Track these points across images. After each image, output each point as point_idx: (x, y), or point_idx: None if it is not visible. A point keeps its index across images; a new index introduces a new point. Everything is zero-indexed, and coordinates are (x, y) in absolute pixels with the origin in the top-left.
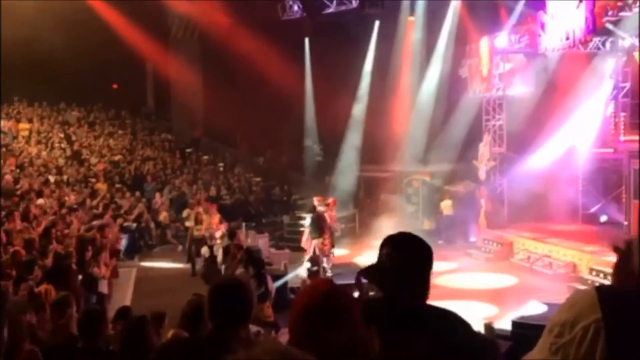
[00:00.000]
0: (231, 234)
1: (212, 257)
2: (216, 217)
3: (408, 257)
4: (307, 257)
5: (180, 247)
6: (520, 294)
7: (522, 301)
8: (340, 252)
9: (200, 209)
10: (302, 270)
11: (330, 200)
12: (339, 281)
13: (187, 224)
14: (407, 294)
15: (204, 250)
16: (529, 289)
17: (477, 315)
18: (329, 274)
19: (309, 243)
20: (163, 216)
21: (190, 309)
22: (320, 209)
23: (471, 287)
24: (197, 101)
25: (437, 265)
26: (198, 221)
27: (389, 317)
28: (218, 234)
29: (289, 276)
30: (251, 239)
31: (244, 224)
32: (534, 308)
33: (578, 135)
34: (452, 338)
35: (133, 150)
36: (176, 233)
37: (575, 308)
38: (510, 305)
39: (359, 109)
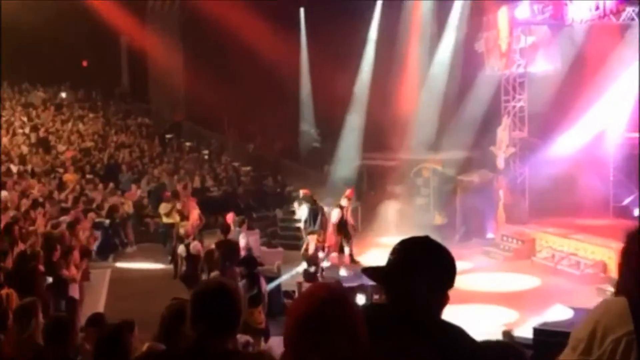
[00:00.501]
0: (224, 228)
1: (190, 256)
2: (195, 212)
3: (418, 264)
4: (321, 254)
5: (133, 248)
6: (543, 297)
7: (545, 305)
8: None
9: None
10: (297, 272)
11: (348, 191)
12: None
13: (167, 220)
14: (412, 302)
15: (181, 249)
16: (553, 292)
17: (495, 321)
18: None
19: (332, 238)
20: (128, 205)
21: (169, 314)
22: (343, 203)
23: (488, 290)
24: (178, 80)
25: None
26: (184, 217)
27: (392, 325)
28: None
29: (283, 278)
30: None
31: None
32: (558, 313)
33: (609, 118)
34: (460, 353)
35: (106, 136)
36: (155, 229)
37: (603, 320)
38: (531, 309)
39: (361, 88)
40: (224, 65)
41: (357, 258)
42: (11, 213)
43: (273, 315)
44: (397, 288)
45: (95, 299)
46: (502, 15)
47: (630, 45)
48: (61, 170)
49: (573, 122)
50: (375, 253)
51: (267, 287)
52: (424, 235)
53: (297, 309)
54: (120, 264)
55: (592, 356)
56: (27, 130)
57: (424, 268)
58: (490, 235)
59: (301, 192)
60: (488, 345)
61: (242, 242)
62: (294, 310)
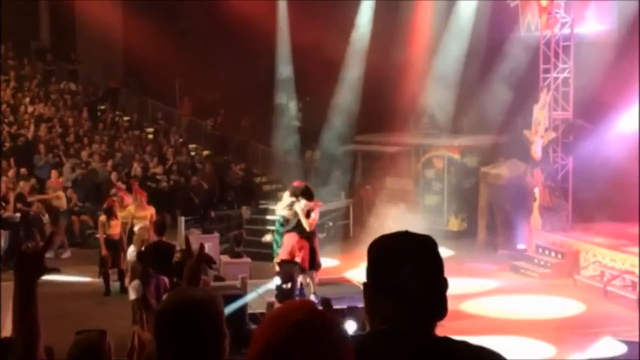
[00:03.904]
0: (160, 227)
1: None
2: (149, 211)
3: (437, 271)
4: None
5: (67, 253)
6: (588, 326)
7: (591, 337)
8: (326, 263)
9: (119, 195)
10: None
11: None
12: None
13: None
14: (433, 322)
15: (131, 254)
16: (602, 320)
17: (526, 357)
18: (312, 297)
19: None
20: (62, 200)
21: (79, 353)
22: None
23: (517, 317)
24: (115, 34)
25: (468, 284)
26: (111, 214)
27: (411, 356)
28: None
29: (249, 297)
30: (193, 241)
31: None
32: (607, 348)
33: None
34: None
35: (17, 106)
36: (82, 230)
37: None
38: (573, 343)
39: (356, 50)
40: (175, 16)
41: (348, 273)
42: None
43: (236, 346)
44: (416, 306)
45: (2, 320)
46: None
47: None
48: None
49: (633, 100)
50: None
51: (228, 309)
52: (412, 232)
53: (262, 336)
54: None
55: None
56: None
57: (439, 272)
58: (521, 246)
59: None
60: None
61: None
62: (258, 338)
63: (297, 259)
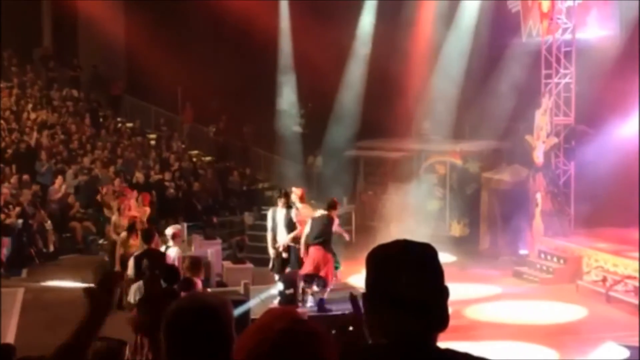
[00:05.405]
0: (147, 235)
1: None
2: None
3: (437, 280)
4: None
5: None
6: (591, 331)
7: (594, 343)
8: None
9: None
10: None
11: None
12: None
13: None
14: (434, 332)
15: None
16: (604, 325)
17: None
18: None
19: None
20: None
21: None
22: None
23: (520, 322)
24: (117, 41)
25: (471, 290)
26: (133, 231)
27: None
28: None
29: (252, 302)
30: (196, 247)
31: (185, 225)
32: (610, 353)
33: None
34: None
35: (20, 113)
36: (85, 236)
37: None
38: (575, 348)
39: (358, 57)
40: (178, 23)
41: (351, 279)
42: None
43: None
44: (416, 317)
45: (4, 326)
46: None
47: None
48: None
49: (634, 105)
50: None
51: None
52: (411, 241)
53: (247, 345)
54: (36, 282)
55: None
56: None
57: (443, 284)
58: (523, 251)
59: (294, 192)
60: None
61: (172, 254)
62: (243, 347)
63: (322, 273)
